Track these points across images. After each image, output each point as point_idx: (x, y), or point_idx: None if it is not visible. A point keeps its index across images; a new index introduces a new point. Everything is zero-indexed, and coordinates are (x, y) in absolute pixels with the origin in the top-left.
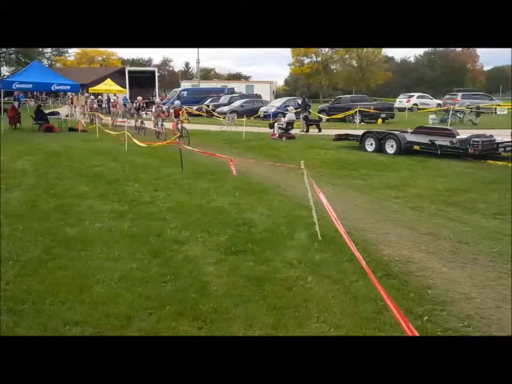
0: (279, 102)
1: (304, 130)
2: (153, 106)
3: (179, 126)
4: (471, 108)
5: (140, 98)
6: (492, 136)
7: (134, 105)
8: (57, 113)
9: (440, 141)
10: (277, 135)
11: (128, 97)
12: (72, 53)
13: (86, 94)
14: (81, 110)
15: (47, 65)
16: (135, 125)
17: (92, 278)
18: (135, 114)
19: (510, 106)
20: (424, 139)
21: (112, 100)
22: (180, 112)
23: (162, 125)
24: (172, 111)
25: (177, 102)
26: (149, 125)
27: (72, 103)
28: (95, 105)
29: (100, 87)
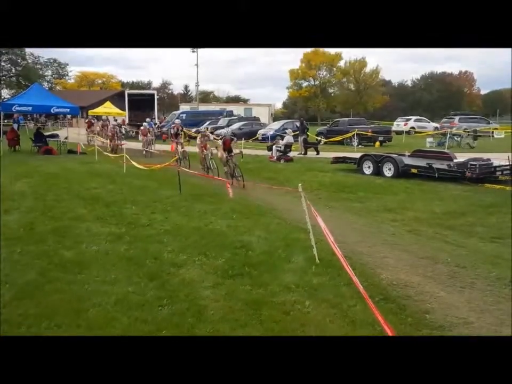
0: (277, 125)
1: (302, 152)
2: (198, 136)
3: (230, 163)
4: (468, 132)
5: (178, 121)
6: (489, 159)
7: (172, 131)
8: (57, 135)
9: (437, 164)
10: (275, 157)
11: (127, 120)
12: (72, 75)
13: (104, 117)
14: (89, 133)
15: (47, 88)
16: (177, 155)
17: (88, 301)
18: (174, 142)
19: (507, 130)
20: (422, 162)
21: (141, 127)
22: (231, 144)
23: (211, 158)
24: (220, 142)
25: (226, 130)
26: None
27: (89, 127)
28: (117, 132)
29: (99, 110)
